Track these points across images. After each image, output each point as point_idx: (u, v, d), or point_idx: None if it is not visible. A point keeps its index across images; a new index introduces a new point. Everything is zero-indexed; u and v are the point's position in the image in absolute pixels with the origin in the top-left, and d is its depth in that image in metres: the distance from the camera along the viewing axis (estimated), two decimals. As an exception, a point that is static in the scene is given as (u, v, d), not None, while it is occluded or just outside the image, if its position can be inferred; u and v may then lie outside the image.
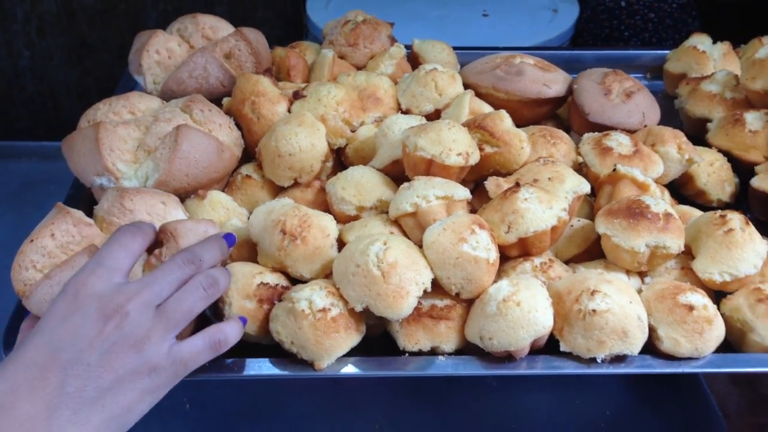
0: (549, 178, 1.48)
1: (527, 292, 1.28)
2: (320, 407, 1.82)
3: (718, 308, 1.38)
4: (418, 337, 1.33)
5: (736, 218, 1.41)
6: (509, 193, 1.41)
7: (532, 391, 1.84)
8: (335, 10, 3.08)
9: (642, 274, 1.45)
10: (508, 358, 1.30)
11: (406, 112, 1.78)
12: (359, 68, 2.07)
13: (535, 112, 1.82)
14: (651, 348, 1.33)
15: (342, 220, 1.52)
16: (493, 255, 1.33)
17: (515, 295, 1.27)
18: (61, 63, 4.00)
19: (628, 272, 1.43)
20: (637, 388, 1.83)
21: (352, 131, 1.70)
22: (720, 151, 1.82)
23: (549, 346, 1.33)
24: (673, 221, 1.39)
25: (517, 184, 1.42)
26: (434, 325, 1.33)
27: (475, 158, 1.50)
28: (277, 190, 1.63)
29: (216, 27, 2.00)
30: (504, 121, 1.57)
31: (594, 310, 1.27)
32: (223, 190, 1.64)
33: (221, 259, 1.25)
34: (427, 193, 1.40)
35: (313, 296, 1.28)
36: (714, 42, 2.19)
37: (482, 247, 1.31)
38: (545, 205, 1.39)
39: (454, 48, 2.23)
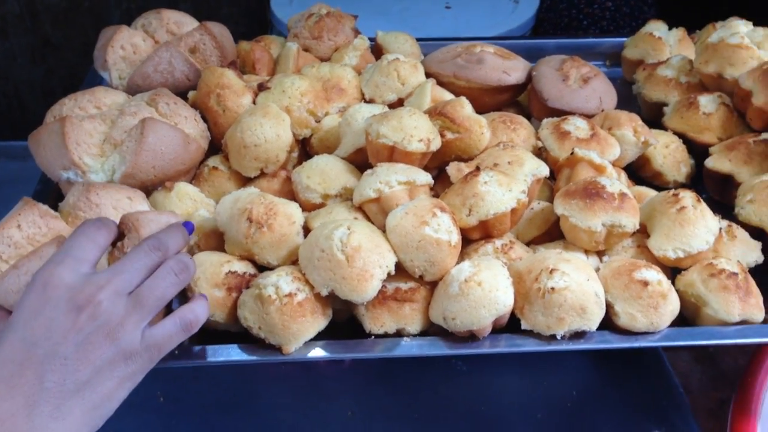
0: (509, 162, 1.52)
1: (488, 273, 1.32)
2: (294, 397, 1.84)
3: (674, 284, 1.44)
4: (384, 320, 1.36)
5: (688, 196, 1.46)
6: (470, 177, 1.45)
7: (500, 374, 1.88)
8: (299, 5, 3.09)
9: (600, 254, 1.49)
10: (471, 337, 1.34)
11: (370, 101, 1.81)
12: (324, 60, 2.09)
13: (496, 99, 1.86)
14: (609, 324, 1.38)
15: (308, 208, 1.54)
16: (455, 237, 1.36)
17: (476, 276, 1.31)
18: (25, 63, 3.97)
19: (586, 252, 1.48)
20: (602, 367, 1.88)
21: (317, 121, 1.73)
22: (675, 133, 1.87)
23: (511, 325, 1.37)
24: (627, 201, 1.44)
25: (477, 169, 1.46)
26: (399, 308, 1.36)
27: (436, 144, 1.53)
28: (244, 181, 1.65)
29: (180, 22, 2.01)
30: (464, 107, 1.60)
31: (553, 288, 1.31)
32: (190, 182, 1.66)
33: (184, 246, 1.26)
34: (389, 179, 1.43)
35: (280, 282, 1.31)
36: (670, 28, 2.24)
37: (444, 229, 1.35)
38: (505, 188, 1.43)
39: (418, 39, 2.27)
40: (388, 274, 1.33)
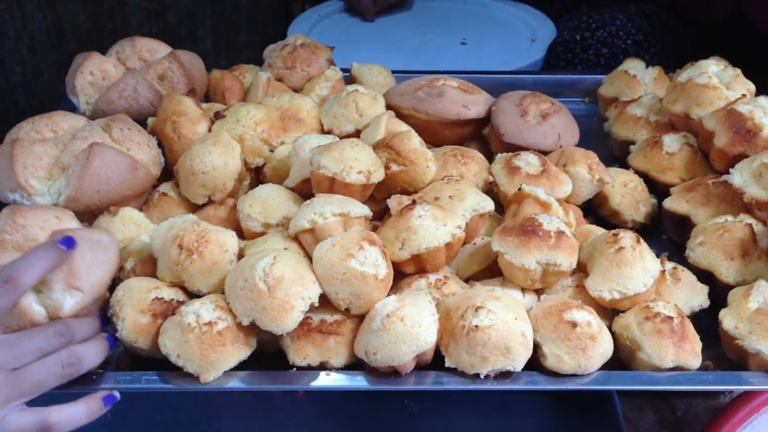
0: (450, 196, 1.51)
1: (412, 308, 1.30)
2: (244, 424, 1.83)
3: (611, 326, 1.40)
4: (307, 352, 1.35)
5: (627, 237, 1.43)
6: (405, 211, 1.44)
7: (453, 417, 1.84)
8: (318, 34, 3.11)
9: (540, 292, 1.47)
10: (393, 373, 1.32)
11: (328, 132, 1.82)
12: (296, 91, 2.11)
13: (456, 133, 1.86)
14: (538, 365, 1.35)
15: (249, 236, 1.55)
16: (383, 271, 1.35)
17: (399, 311, 1.29)
18: (51, 78, 4.06)
19: (524, 290, 1.45)
20: (556, 410, 1.84)
21: (271, 151, 1.74)
22: (638, 172, 1.84)
23: (441, 362, 1.34)
24: (565, 239, 1.41)
25: (414, 202, 1.45)
26: (323, 340, 1.35)
27: (377, 176, 1.53)
28: (193, 208, 1.66)
29: (154, 50, 2.05)
30: (411, 140, 1.60)
31: (477, 326, 1.28)
32: (141, 207, 1.67)
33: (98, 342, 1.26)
34: (324, 210, 1.43)
35: (201, 310, 1.30)
36: (647, 66, 2.22)
37: (370, 263, 1.34)
38: (439, 222, 1.42)
39: (396, 72, 2.28)
40: (312, 306, 1.32)
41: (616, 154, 2.07)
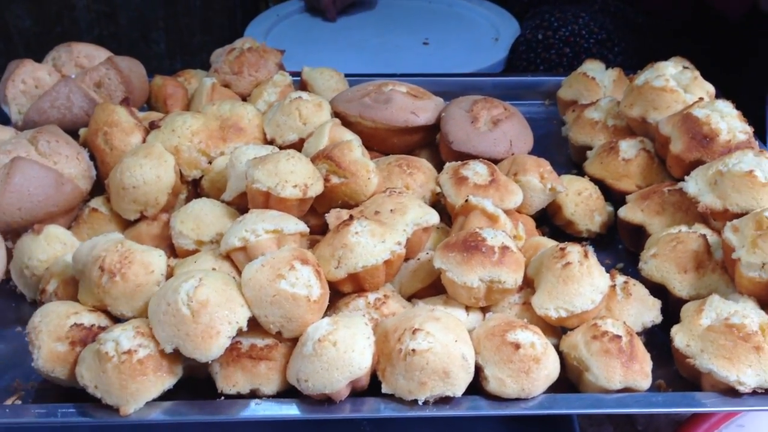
0: (391, 210, 1.43)
1: (346, 332, 1.23)
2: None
3: (558, 346, 1.34)
4: (237, 379, 1.27)
5: (575, 251, 1.36)
6: (341, 227, 1.37)
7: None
8: (277, 35, 3.02)
9: (485, 309, 1.40)
10: (328, 401, 1.25)
11: (271, 141, 1.74)
12: (244, 97, 2.03)
13: (406, 141, 1.78)
14: (481, 388, 1.28)
15: (182, 255, 1.47)
16: (316, 292, 1.27)
17: (332, 335, 1.22)
18: (-3, 83, 3.96)
19: (468, 308, 1.39)
20: (514, 426, 1.77)
21: (209, 162, 1.66)
22: (594, 180, 1.78)
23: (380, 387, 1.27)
24: (509, 255, 1.35)
25: (351, 217, 1.38)
26: (254, 366, 1.27)
27: (315, 190, 1.46)
28: (125, 224, 1.58)
29: (92, 55, 1.97)
30: (353, 151, 1.52)
31: (414, 350, 1.21)
32: (70, 224, 1.59)
33: None
34: (256, 227, 1.35)
35: (120, 337, 1.22)
36: (607, 68, 2.16)
37: (302, 283, 1.26)
38: (378, 238, 1.35)
39: (349, 75, 2.20)
40: (240, 331, 1.25)
41: (574, 160, 2.00)
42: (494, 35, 2.96)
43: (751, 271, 1.31)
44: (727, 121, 1.62)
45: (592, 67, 2.13)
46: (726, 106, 1.65)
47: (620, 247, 1.72)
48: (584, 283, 1.33)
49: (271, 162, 1.43)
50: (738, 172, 1.47)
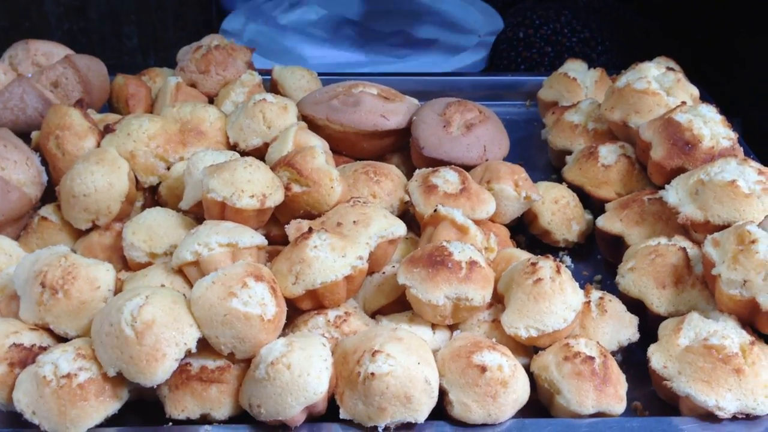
0: (354, 222, 1.35)
1: (301, 354, 1.15)
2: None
3: (529, 367, 1.27)
4: (186, 403, 1.19)
5: (547, 267, 1.29)
6: (299, 241, 1.29)
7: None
8: (252, 33, 2.93)
9: (453, 327, 1.33)
10: (282, 427, 1.17)
11: (234, 146, 1.66)
12: (211, 96, 1.95)
13: (375, 145, 1.71)
14: (445, 412, 1.21)
15: (135, 268, 1.39)
16: (271, 310, 1.20)
17: (286, 357, 1.14)
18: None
19: (434, 326, 1.31)
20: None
21: (168, 168, 1.58)
22: (573, 186, 1.70)
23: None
24: (477, 271, 1.27)
25: (310, 230, 1.30)
26: (204, 390, 1.19)
27: (275, 199, 1.38)
28: (77, 234, 1.50)
29: (51, 53, 1.88)
30: (315, 158, 1.44)
31: (373, 374, 1.14)
32: (18, 234, 1.51)
33: None
34: (209, 240, 1.27)
35: (60, 360, 1.15)
36: (590, 68, 2.08)
37: (255, 302, 1.18)
38: (338, 253, 1.27)
39: (322, 74, 2.12)
40: (188, 353, 1.17)
41: (554, 164, 1.93)
42: (477, 32, 2.88)
43: (732, 288, 1.24)
44: (710, 126, 1.55)
45: (574, 67, 2.06)
46: (709, 111, 1.58)
47: (599, 257, 1.65)
48: (556, 300, 1.26)
49: (227, 170, 1.35)
50: (720, 182, 1.39)
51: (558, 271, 1.28)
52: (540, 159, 1.98)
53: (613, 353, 1.35)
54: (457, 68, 2.61)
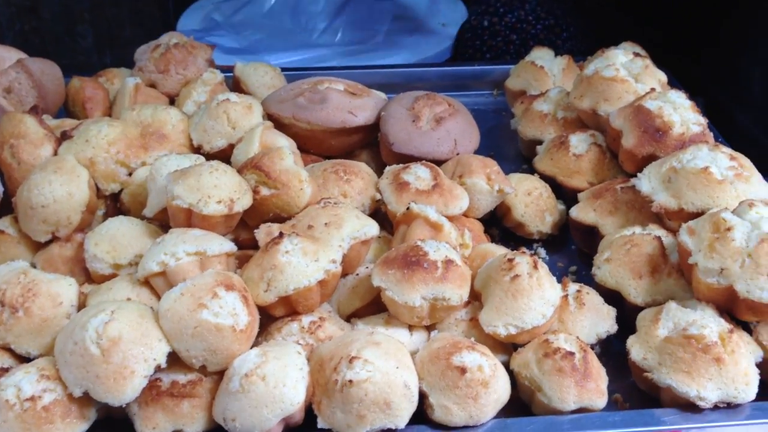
0: (326, 224, 1.32)
1: (276, 364, 1.12)
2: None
3: (509, 364, 1.25)
4: (157, 420, 1.15)
5: (524, 262, 1.27)
6: (270, 246, 1.25)
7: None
8: (207, 32, 2.85)
9: (431, 328, 1.30)
10: (259, 439, 1.14)
11: (198, 148, 1.61)
12: (172, 97, 1.90)
13: (344, 142, 1.67)
14: (426, 416, 1.18)
15: (98, 280, 1.34)
16: (244, 320, 1.16)
17: (260, 368, 1.11)
18: None
19: (411, 327, 1.28)
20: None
21: (130, 174, 1.52)
22: (545, 177, 1.69)
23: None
24: (453, 269, 1.25)
25: (281, 235, 1.26)
26: (176, 405, 1.15)
27: (243, 204, 1.34)
28: (36, 247, 1.44)
29: (2, 58, 1.81)
30: (283, 159, 1.40)
31: (351, 381, 1.11)
32: (-26, 248, 1.44)
33: None
34: (176, 250, 1.23)
35: (22, 382, 1.10)
36: (557, 55, 2.06)
37: (226, 312, 1.15)
38: (310, 257, 1.24)
39: (287, 70, 2.08)
40: (158, 368, 1.13)
41: (524, 154, 1.91)
42: (440, 20, 2.85)
43: (709, 277, 1.23)
44: (680, 113, 1.54)
45: (540, 55, 2.04)
46: (679, 97, 1.57)
47: (573, 248, 1.63)
48: (534, 296, 1.24)
49: (192, 175, 1.31)
50: (693, 169, 1.38)
51: (535, 267, 1.26)
52: (510, 149, 1.96)
53: (592, 346, 1.34)
54: (422, 59, 2.58)
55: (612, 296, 1.38)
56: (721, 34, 2.56)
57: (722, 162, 1.39)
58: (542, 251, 1.61)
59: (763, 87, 2.39)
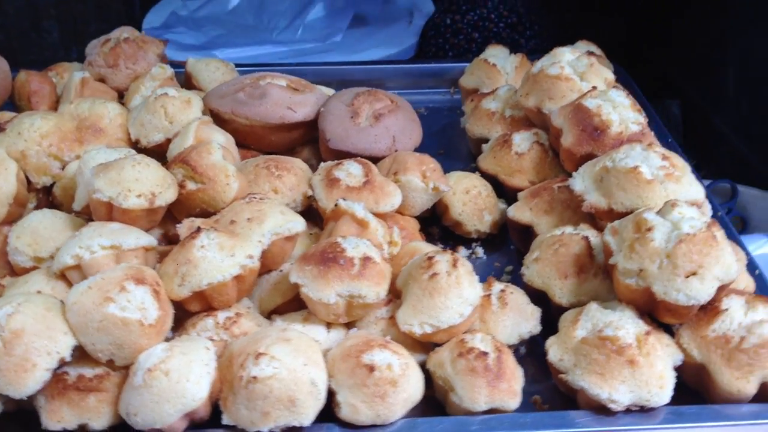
0: (248, 219, 1.31)
1: (181, 359, 1.11)
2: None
3: (426, 363, 1.24)
4: (63, 413, 1.15)
5: (443, 261, 1.25)
6: (187, 240, 1.24)
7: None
8: (167, 29, 2.85)
9: (350, 325, 1.29)
10: (163, 435, 1.13)
11: (136, 142, 1.61)
12: (121, 91, 1.89)
13: (284, 138, 1.66)
14: (334, 414, 1.17)
15: (20, 273, 1.33)
16: (153, 314, 1.15)
17: (164, 363, 1.10)
18: None
19: (330, 324, 1.27)
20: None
21: (63, 167, 1.52)
22: (488, 175, 1.67)
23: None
24: (371, 267, 1.23)
25: (199, 229, 1.26)
26: (82, 399, 1.15)
27: (165, 199, 1.33)
28: (-37, 240, 1.43)
29: (-51, 50, 1.80)
30: (211, 154, 1.40)
31: (255, 377, 1.10)
32: None
33: None
34: (91, 243, 1.22)
35: (-75, 374, 1.09)
36: (512, 53, 2.05)
37: (134, 306, 1.14)
38: (226, 252, 1.23)
39: (241, 66, 2.07)
40: (62, 362, 1.12)
41: (473, 153, 1.90)
42: (409, 17, 2.83)
43: (628, 278, 1.22)
44: (619, 111, 1.53)
45: (495, 53, 2.02)
46: (619, 96, 1.55)
47: (512, 247, 1.62)
48: (452, 295, 1.23)
49: (114, 169, 1.30)
50: (623, 168, 1.37)
51: (455, 265, 1.25)
52: (462, 148, 1.95)
53: (516, 346, 1.33)
54: (387, 56, 2.57)
55: (540, 296, 1.37)
56: (693, 32, 2.54)
57: (654, 161, 1.37)
58: (480, 250, 1.60)
59: (737, 88, 2.37)
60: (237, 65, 2.04)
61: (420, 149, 1.70)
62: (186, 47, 2.63)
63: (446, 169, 1.62)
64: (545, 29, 2.58)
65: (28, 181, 1.49)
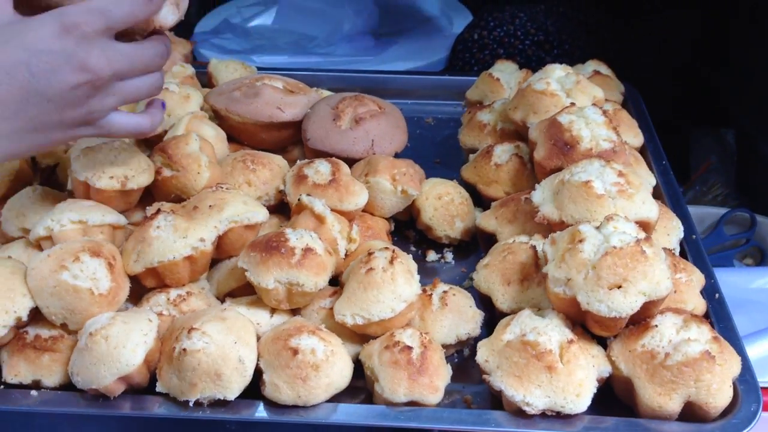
0: (210, 206, 1.40)
1: (122, 327, 1.21)
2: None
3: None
4: (20, 369, 1.26)
5: (381, 257, 1.31)
6: (146, 221, 1.35)
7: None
8: (215, 34, 3.00)
9: (296, 312, 1.36)
10: (102, 397, 1.23)
11: (137, 133, 1.73)
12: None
13: (274, 136, 1.75)
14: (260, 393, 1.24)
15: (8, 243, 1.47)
16: (105, 285, 1.26)
17: (106, 330, 1.20)
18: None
19: (274, 310, 1.35)
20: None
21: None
22: (467, 184, 1.71)
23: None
24: (311, 257, 1.30)
25: (158, 211, 1.36)
26: (37, 357, 1.26)
27: (138, 182, 1.44)
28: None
29: None
30: (189, 144, 1.50)
31: (185, 349, 1.18)
32: None
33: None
34: (62, 217, 1.34)
35: None
36: (521, 68, 2.07)
37: (86, 276, 1.24)
38: (179, 234, 1.32)
39: (262, 69, 2.18)
40: (19, 321, 1.24)
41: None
42: (447, 32, 2.89)
43: (557, 286, 1.23)
44: (592, 128, 1.53)
45: (502, 68, 2.05)
46: (594, 113, 1.56)
47: (483, 255, 1.64)
48: (385, 290, 1.28)
49: (93, 151, 1.42)
50: (576, 182, 1.38)
51: (391, 262, 1.30)
52: (458, 158, 1.98)
53: (455, 346, 1.36)
54: (415, 67, 2.63)
55: (488, 302, 1.40)
56: (751, 62, 2.48)
57: (609, 177, 1.38)
58: (449, 255, 1.64)
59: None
60: (259, 69, 2.15)
61: (418, 158, 1.75)
62: (228, 51, 2.78)
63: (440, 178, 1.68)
64: (577, 48, 2.58)
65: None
